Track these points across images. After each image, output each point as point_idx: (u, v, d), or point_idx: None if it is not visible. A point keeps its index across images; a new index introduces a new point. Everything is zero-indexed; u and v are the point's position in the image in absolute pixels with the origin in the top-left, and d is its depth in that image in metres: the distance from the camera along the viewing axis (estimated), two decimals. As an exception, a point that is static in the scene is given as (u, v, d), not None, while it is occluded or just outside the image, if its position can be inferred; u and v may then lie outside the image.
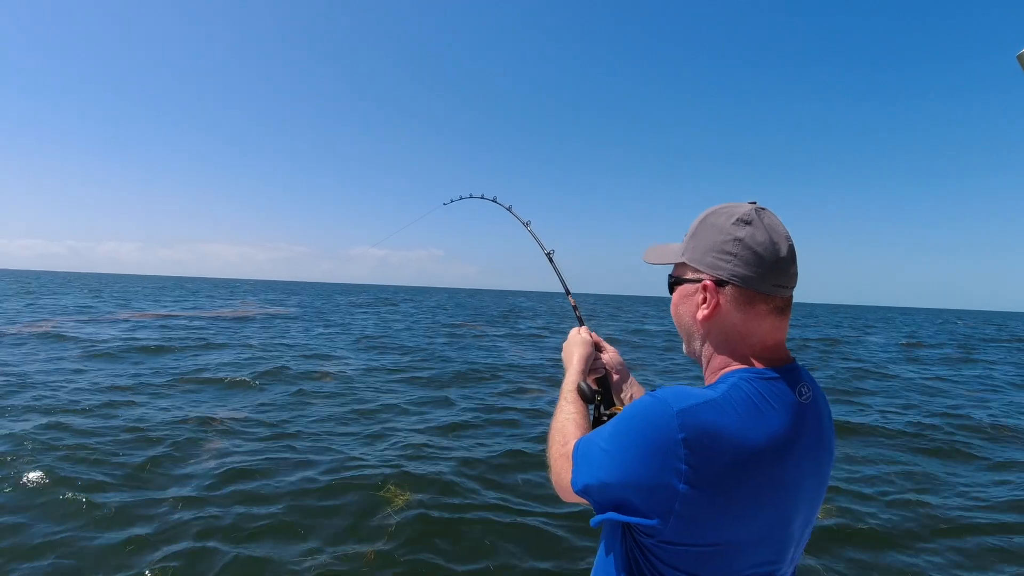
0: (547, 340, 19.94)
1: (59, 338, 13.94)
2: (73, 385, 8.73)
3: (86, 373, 9.75)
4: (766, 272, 1.02)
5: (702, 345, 1.10)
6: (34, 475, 5.01)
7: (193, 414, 7.27)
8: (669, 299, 1.16)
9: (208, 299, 41.31)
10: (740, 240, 1.03)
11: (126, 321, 19.53)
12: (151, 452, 5.75)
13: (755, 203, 1.07)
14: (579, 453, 1.09)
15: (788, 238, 1.05)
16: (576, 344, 1.48)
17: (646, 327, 28.69)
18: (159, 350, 12.90)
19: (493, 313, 39.12)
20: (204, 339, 15.28)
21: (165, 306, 29.60)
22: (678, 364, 14.25)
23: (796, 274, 1.05)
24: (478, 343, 18.16)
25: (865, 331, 34.50)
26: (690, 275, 1.10)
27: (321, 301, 47.04)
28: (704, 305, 1.06)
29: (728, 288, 1.04)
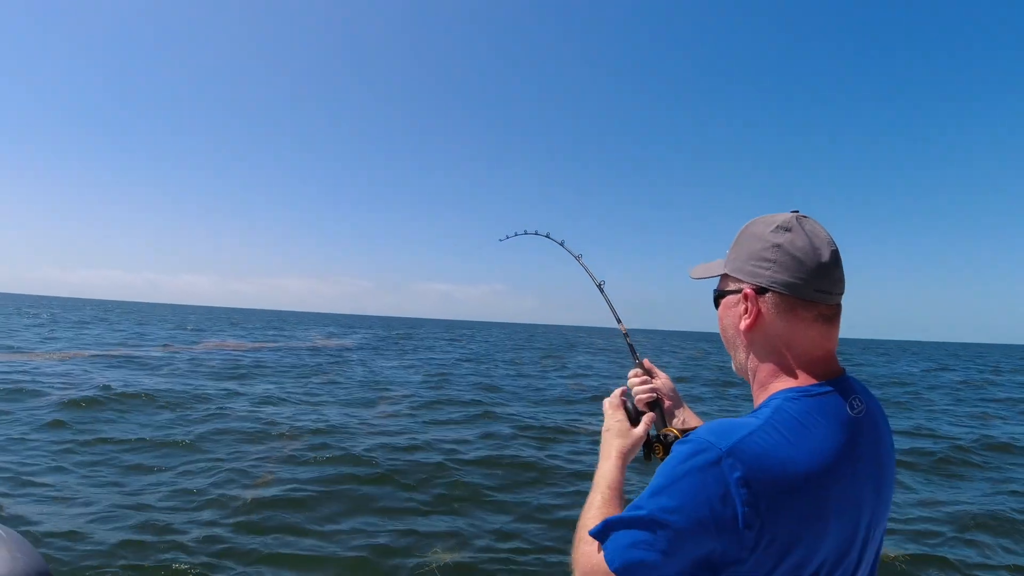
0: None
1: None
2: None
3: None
4: (808, 277, 0.99)
5: (747, 357, 1.07)
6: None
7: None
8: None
9: (298, 331, 43.44)
10: (779, 246, 1.01)
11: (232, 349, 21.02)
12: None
13: (797, 211, 1.06)
14: (611, 526, 0.96)
15: (831, 243, 1.02)
16: (616, 434, 1.28)
17: (700, 361, 27.63)
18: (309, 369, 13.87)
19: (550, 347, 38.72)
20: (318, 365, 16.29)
21: (278, 336, 31.54)
22: (731, 397, 13.62)
23: (842, 280, 1.02)
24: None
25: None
26: (732, 286, 1.08)
27: (385, 333, 48.46)
28: (746, 315, 1.04)
29: (769, 295, 1.01)
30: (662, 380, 1.51)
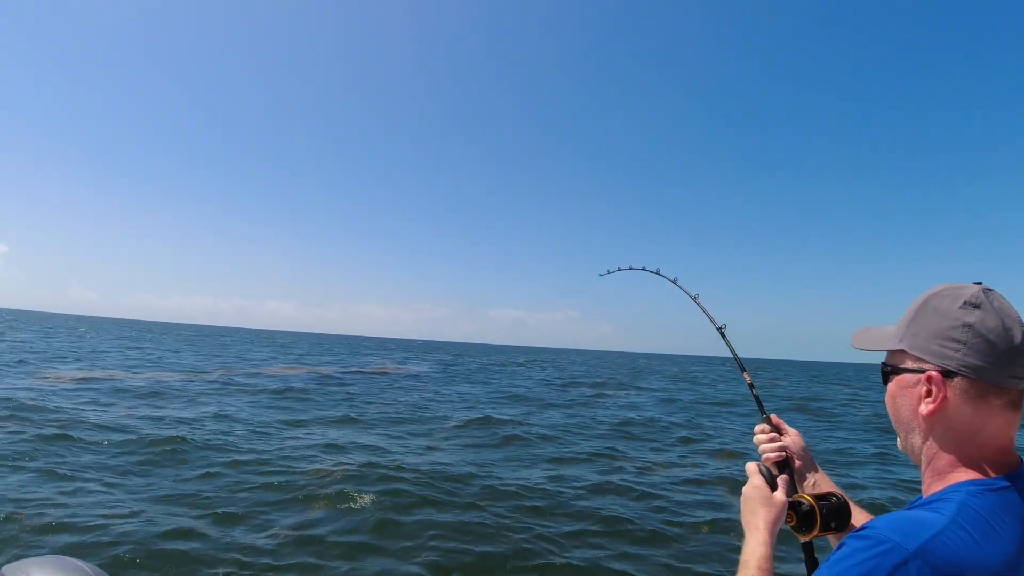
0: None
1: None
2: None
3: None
4: (1000, 361, 0.90)
5: (924, 442, 0.98)
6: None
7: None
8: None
9: (383, 356, 45.22)
10: (970, 326, 0.92)
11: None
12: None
13: (981, 284, 0.97)
14: None
15: (1022, 323, 0.94)
16: (759, 502, 1.18)
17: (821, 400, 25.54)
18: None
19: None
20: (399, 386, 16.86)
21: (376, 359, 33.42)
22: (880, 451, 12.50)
23: None
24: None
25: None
26: (911, 364, 0.99)
27: (467, 359, 49.16)
28: (929, 399, 0.95)
29: (957, 380, 0.93)
30: (792, 437, 1.38)
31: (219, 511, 5.79)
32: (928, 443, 0.98)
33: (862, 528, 0.87)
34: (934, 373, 0.94)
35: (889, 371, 1.03)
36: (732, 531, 5.87)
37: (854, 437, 13.49)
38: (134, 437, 8.71)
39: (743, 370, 1.54)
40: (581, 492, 7.25)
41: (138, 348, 34.55)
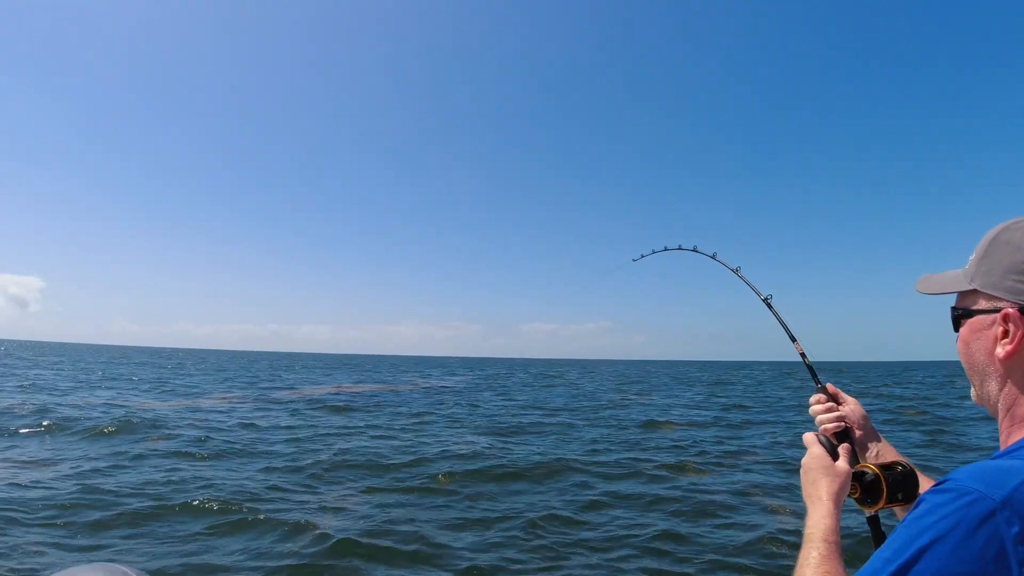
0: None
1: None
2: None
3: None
4: None
5: (1001, 388, 0.91)
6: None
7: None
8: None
9: (416, 374, 45.71)
10: None
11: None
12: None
13: None
14: None
15: None
16: (821, 472, 1.10)
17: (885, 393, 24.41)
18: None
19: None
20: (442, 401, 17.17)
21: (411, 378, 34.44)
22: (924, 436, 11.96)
23: None
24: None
25: None
26: (984, 304, 0.92)
27: (494, 373, 49.36)
28: (1006, 339, 0.87)
29: None
30: (851, 406, 1.31)
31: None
32: (1007, 388, 0.90)
33: (941, 481, 0.81)
34: (1011, 310, 0.87)
35: (960, 314, 0.96)
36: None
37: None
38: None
39: (793, 340, 1.48)
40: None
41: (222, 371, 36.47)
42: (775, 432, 13.39)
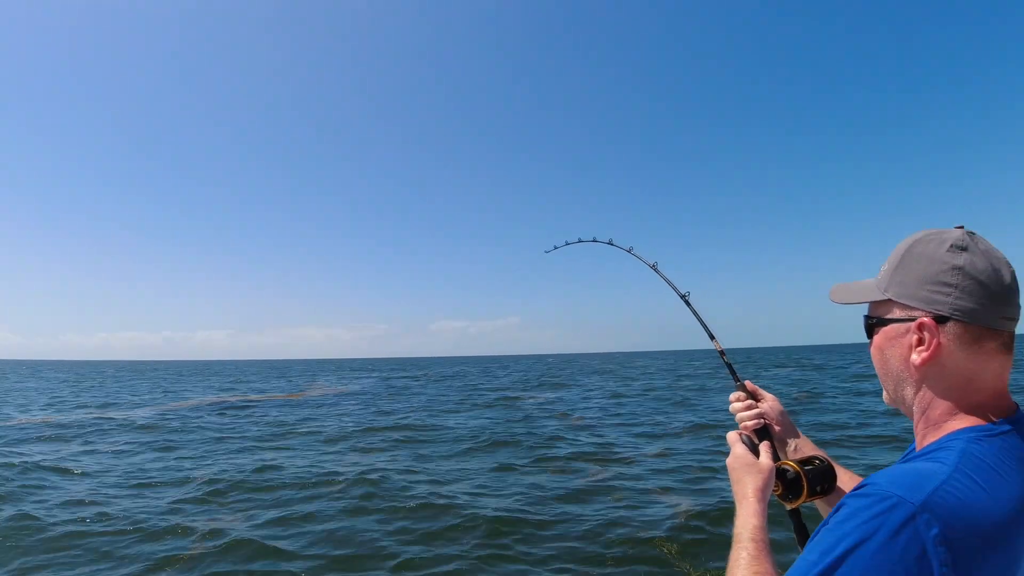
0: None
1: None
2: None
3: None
4: (992, 303, 0.88)
5: (916, 393, 0.94)
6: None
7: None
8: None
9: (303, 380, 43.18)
10: (960, 268, 0.89)
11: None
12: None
13: (962, 227, 0.94)
14: None
15: (1008, 263, 0.92)
16: (744, 471, 1.14)
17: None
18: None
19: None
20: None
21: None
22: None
23: (1020, 304, 0.92)
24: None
25: None
26: (899, 313, 0.95)
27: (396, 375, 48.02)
28: (922, 347, 0.91)
29: (950, 324, 0.89)
30: (770, 403, 1.33)
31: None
32: (921, 393, 0.94)
33: (861, 486, 0.82)
34: (926, 320, 0.90)
35: (875, 323, 0.99)
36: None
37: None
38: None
39: (712, 337, 1.43)
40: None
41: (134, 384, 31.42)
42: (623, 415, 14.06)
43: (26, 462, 9.37)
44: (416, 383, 34.44)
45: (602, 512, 6.39)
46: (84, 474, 8.78)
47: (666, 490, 7.28)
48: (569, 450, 10.23)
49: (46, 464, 9.36)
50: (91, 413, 18.02)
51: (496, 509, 6.50)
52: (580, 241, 1.78)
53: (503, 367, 67.99)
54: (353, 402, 21.55)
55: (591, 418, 15.04)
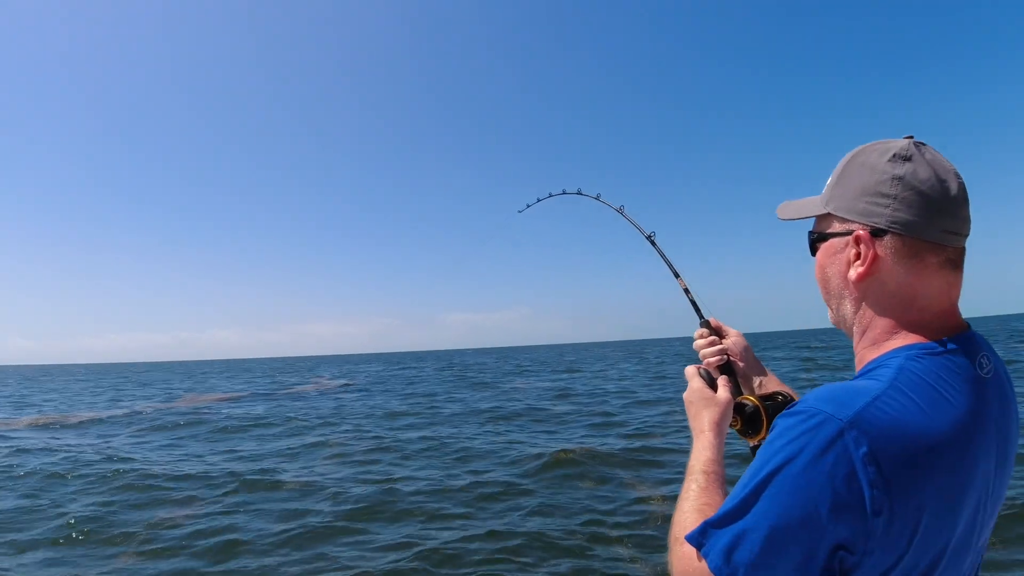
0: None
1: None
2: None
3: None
4: (933, 215, 0.82)
5: (856, 311, 0.90)
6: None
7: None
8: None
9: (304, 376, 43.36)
10: (899, 179, 0.83)
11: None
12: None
13: (912, 136, 0.87)
14: (711, 528, 0.78)
15: (957, 175, 0.85)
16: (701, 405, 1.11)
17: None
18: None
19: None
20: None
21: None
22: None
23: (969, 218, 0.85)
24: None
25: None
26: (837, 227, 0.90)
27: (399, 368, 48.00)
28: (858, 261, 0.86)
29: (887, 238, 0.84)
30: (733, 339, 1.29)
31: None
32: (861, 311, 0.89)
33: (792, 404, 0.81)
34: (861, 232, 0.85)
35: (816, 238, 0.94)
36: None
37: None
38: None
39: (676, 276, 1.43)
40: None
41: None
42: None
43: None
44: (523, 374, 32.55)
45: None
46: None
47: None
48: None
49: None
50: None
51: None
52: (551, 196, 1.79)
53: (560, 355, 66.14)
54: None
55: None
